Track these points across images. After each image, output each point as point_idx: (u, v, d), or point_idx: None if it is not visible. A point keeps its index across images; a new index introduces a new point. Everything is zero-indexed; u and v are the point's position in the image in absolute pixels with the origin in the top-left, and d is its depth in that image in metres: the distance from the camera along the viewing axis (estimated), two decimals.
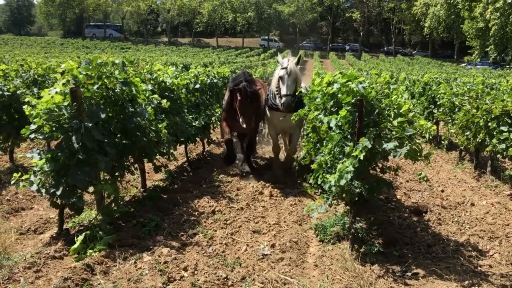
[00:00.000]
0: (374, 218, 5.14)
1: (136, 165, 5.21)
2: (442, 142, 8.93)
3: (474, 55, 44.19)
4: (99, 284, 3.31)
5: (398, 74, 20.22)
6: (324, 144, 4.43)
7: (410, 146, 3.72)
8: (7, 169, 6.57)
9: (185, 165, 7.58)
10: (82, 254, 3.77)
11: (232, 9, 65.61)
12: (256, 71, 17.26)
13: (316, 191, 5.94)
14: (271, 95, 6.54)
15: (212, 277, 3.53)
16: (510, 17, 36.81)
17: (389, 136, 3.89)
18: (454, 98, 8.47)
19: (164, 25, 75.58)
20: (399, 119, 3.81)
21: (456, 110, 8.25)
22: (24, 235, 4.40)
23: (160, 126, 5.13)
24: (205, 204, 5.46)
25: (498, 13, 37.48)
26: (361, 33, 66.72)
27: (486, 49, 41.61)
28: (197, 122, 7.08)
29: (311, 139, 5.18)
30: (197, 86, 7.78)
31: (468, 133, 7.34)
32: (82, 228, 4.39)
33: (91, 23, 72.92)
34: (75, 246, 3.80)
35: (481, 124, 6.87)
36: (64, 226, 4.37)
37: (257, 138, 8.39)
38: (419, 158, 3.81)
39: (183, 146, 7.57)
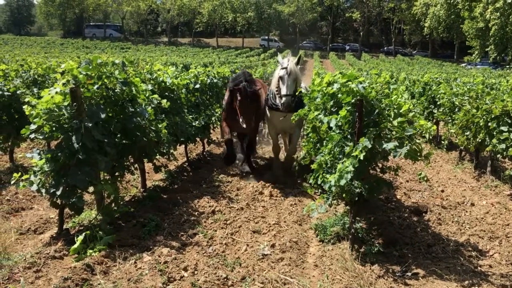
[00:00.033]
0: (374, 218, 5.14)
1: (136, 165, 5.21)
2: (442, 142, 8.92)
3: (474, 55, 44.20)
4: (99, 284, 3.31)
5: (398, 74, 20.23)
6: (324, 144, 4.43)
7: (410, 146, 3.72)
8: (7, 169, 6.57)
9: (185, 165, 7.58)
10: (82, 254, 3.77)
11: (232, 9, 65.62)
12: (256, 71, 17.26)
13: (316, 191, 5.93)
14: (271, 95, 6.54)
15: (212, 277, 3.53)
16: (510, 17, 36.81)
17: (389, 136, 3.89)
18: (454, 98, 8.47)
19: (164, 25, 75.59)
20: (399, 119, 3.81)
21: (456, 110, 8.26)
22: (24, 235, 4.40)
23: (160, 126, 5.13)
24: (205, 204, 5.46)
25: (498, 13, 37.48)
26: (361, 33, 66.72)
27: (486, 49, 41.62)
28: (197, 122, 7.08)
29: (311, 139, 5.18)
30: (197, 86, 7.78)
31: (468, 133, 7.34)
32: (82, 228, 4.39)
33: (91, 23, 72.93)
34: (75, 246, 3.80)
35: (481, 124, 6.87)
36: (64, 226, 4.37)
37: (257, 138, 8.39)
38: (419, 158, 3.81)
39: (183, 146, 7.57)
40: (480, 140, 6.92)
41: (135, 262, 3.69)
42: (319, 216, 5.09)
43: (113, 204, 4.43)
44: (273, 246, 4.29)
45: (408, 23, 63.14)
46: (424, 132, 3.94)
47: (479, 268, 4.07)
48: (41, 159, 3.94)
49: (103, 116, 4.01)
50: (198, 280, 3.47)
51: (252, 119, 6.30)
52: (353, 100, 4.02)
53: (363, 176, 3.88)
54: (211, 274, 3.60)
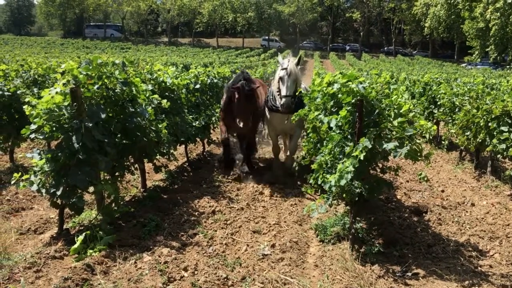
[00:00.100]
0: (374, 218, 5.14)
1: (136, 165, 5.21)
2: (443, 142, 8.92)
3: (474, 55, 44.20)
4: (99, 284, 3.31)
5: (398, 74, 20.23)
6: (324, 144, 4.43)
7: (410, 146, 3.72)
8: (7, 169, 6.57)
9: (185, 165, 7.58)
10: (82, 254, 3.77)
11: (232, 9, 65.64)
12: (256, 71, 17.25)
13: (317, 191, 5.93)
14: (271, 97, 6.53)
15: (212, 277, 3.53)
16: (510, 17, 36.81)
17: (389, 136, 3.89)
18: (455, 98, 8.47)
19: (164, 25, 75.61)
20: (399, 119, 3.81)
21: (457, 110, 8.25)
22: (24, 235, 4.40)
23: (160, 126, 5.13)
24: (205, 204, 5.46)
25: (498, 13, 37.49)
26: (361, 33, 66.72)
27: (487, 49, 41.62)
28: (197, 122, 7.08)
29: (311, 139, 5.18)
30: (197, 86, 7.78)
31: (468, 133, 7.34)
32: (82, 228, 4.39)
33: (92, 23, 72.97)
34: (75, 246, 3.80)
35: (481, 124, 6.87)
36: (64, 226, 4.37)
37: (257, 138, 8.38)
38: (419, 158, 3.81)
39: (183, 146, 7.57)
40: (480, 140, 6.92)
41: (135, 262, 3.69)
42: (319, 216, 5.09)
43: (113, 204, 4.43)
44: (273, 246, 4.29)
45: (409, 23, 63.14)
46: (424, 132, 3.94)
47: (479, 268, 4.07)
48: (41, 159, 3.94)
49: (103, 116, 4.01)
50: (198, 280, 3.47)
51: (249, 119, 6.24)
52: (353, 100, 4.01)
53: (363, 176, 3.88)
54: (211, 274, 3.60)
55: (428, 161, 3.86)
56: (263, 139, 9.75)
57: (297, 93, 5.95)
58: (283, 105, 6.04)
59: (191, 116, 7.06)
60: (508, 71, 35.39)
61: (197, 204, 5.48)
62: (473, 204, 5.98)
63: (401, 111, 3.86)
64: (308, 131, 5.42)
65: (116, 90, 4.30)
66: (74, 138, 3.83)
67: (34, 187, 3.86)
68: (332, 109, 4.57)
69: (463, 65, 48.68)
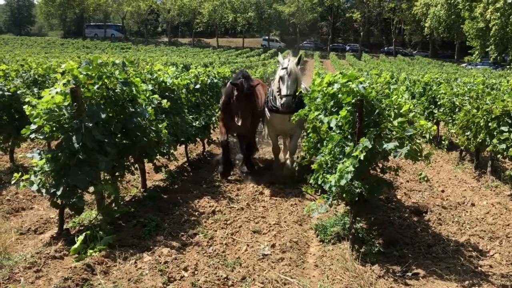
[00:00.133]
0: (374, 218, 5.14)
1: (136, 165, 5.21)
2: (443, 142, 8.92)
3: (474, 55, 44.22)
4: (99, 284, 3.31)
5: (398, 74, 20.22)
6: (325, 144, 4.43)
7: (410, 146, 3.72)
8: (7, 169, 6.57)
9: (185, 165, 7.58)
10: (83, 254, 3.77)
11: (232, 9, 65.65)
12: (256, 71, 17.26)
13: (317, 191, 5.93)
14: (271, 97, 6.52)
15: (213, 277, 3.53)
16: (511, 17, 36.82)
17: (389, 136, 3.89)
18: (455, 98, 8.47)
19: (164, 25, 75.63)
20: (400, 119, 3.81)
21: (457, 110, 8.25)
22: (24, 235, 4.40)
23: (160, 126, 5.13)
24: (206, 204, 5.46)
25: (498, 13, 37.50)
26: (362, 33, 66.72)
27: (487, 49, 41.64)
28: (197, 122, 7.08)
29: (311, 139, 5.18)
30: (198, 86, 7.78)
31: (468, 133, 7.33)
32: (82, 228, 4.39)
33: (92, 23, 73.00)
34: (76, 246, 3.80)
35: (481, 124, 6.87)
36: (65, 226, 4.37)
37: (257, 139, 8.38)
38: (420, 158, 3.81)
39: (183, 146, 7.57)
40: (480, 140, 6.92)
41: (135, 262, 3.69)
42: (320, 216, 5.09)
43: (113, 204, 4.43)
44: (273, 246, 4.29)
45: (409, 23, 63.15)
46: (424, 132, 3.94)
47: (479, 268, 4.07)
48: (41, 159, 3.94)
49: (103, 116, 4.01)
50: (198, 280, 3.47)
51: (248, 117, 6.19)
52: (353, 100, 4.01)
53: (363, 176, 3.88)
54: (211, 274, 3.60)
55: (428, 161, 3.86)
56: (263, 139, 9.74)
57: (297, 93, 5.94)
58: (283, 104, 6.03)
59: (191, 116, 7.06)
60: (508, 71, 35.39)
61: (197, 204, 5.48)
62: (473, 204, 5.98)
63: (401, 111, 3.86)
64: (308, 131, 5.42)
65: (116, 90, 4.30)
66: (74, 138, 3.83)
67: (34, 187, 3.86)
68: (332, 109, 4.57)
69: (463, 65, 48.69)
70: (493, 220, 5.33)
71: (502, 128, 6.30)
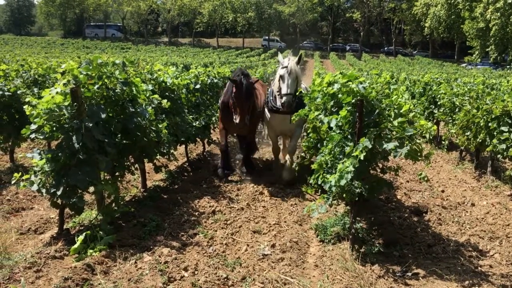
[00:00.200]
0: (374, 218, 5.14)
1: (136, 165, 5.21)
2: (443, 142, 8.92)
3: (474, 55, 44.22)
4: (99, 284, 3.31)
5: (398, 74, 20.22)
6: (325, 144, 4.43)
7: (410, 146, 3.72)
8: (7, 169, 6.57)
9: (185, 165, 7.58)
10: (83, 254, 3.77)
11: (232, 9, 65.66)
12: (256, 71, 17.26)
13: (317, 191, 5.93)
14: (271, 97, 6.51)
15: (213, 277, 3.54)
16: (511, 17, 36.82)
17: (389, 136, 3.89)
18: (455, 98, 8.47)
19: (164, 25, 75.64)
20: (400, 119, 3.81)
21: (457, 110, 8.25)
22: (24, 235, 4.40)
23: (160, 126, 5.13)
24: (206, 204, 5.47)
25: (498, 13, 37.51)
26: (362, 33, 66.72)
27: (487, 49, 41.64)
28: (197, 122, 7.08)
29: (311, 139, 5.18)
30: (198, 86, 7.78)
31: (468, 133, 7.34)
32: (82, 228, 4.39)
33: (92, 23, 73.02)
34: (76, 246, 3.80)
35: (481, 124, 6.87)
36: (65, 226, 4.37)
37: (256, 139, 8.38)
38: (420, 158, 3.81)
39: (184, 146, 7.57)
40: (480, 140, 6.92)
41: (135, 262, 3.69)
42: (320, 216, 5.09)
43: (113, 204, 4.43)
44: (273, 246, 4.29)
45: (409, 23, 63.16)
46: (424, 132, 3.94)
47: (479, 268, 4.07)
48: (41, 159, 3.94)
49: (103, 116, 4.01)
50: (199, 280, 3.47)
51: (246, 116, 6.12)
52: (353, 100, 4.02)
53: (363, 176, 3.88)
54: (211, 274, 3.60)
55: (428, 161, 3.86)
56: (263, 140, 9.75)
57: (297, 93, 5.93)
58: (284, 103, 6.00)
59: (191, 116, 7.06)
60: (508, 71, 35.38)
61: (197, 204, 5.48)
62: (473, 204, 5.99)
63: (401, 111, 3.87)
64: (308, 131, 5.42)
65: (116, 90, 4.30)
66: (74, 138, 3.83)
67: (35, 187, 3.86)
68: (332, 109, 4.57)
69: (463, 65, 48.70)
70: (493, 220, 5.33)
71: (502, 128, 6.30)
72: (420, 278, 3.78)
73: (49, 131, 3.92)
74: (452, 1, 48.61)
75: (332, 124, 4.29)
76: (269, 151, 8.44)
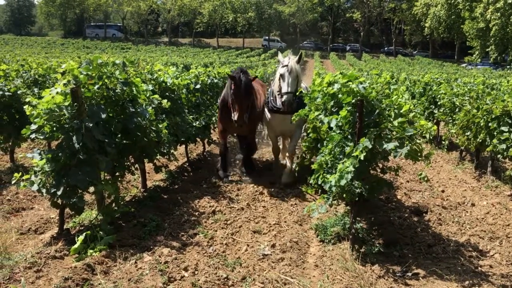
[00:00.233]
0: (374, 218, 5.14)
1: (136, 165, 5.21)
2: (443, 142, 8.92)
3: (474, 55, 44.24)
4: (99, 284, 3.31)
5: (398, 74, 20.22)
6: (325, 144, 4.43)
7: (410, 146, 3.73)
8: (7, 169, 6.57)
9: (185, 165, 7.58)
10: (83, 254, 3.77)
11: (232, 9, 65.68)
12: (256, 71, 17.26)
13: (317, 191, 5.93)
14: (272, 97, 6.50)
15: (213, 277, 3.54)
16: (511, 17, 36.82)
17: (389, 136, 3.89)
18: (455, 98, 8.47)
19: (164, 25, 75.66)
20: (400, 119, 3.81)
21: (457, 110, 8.25)
22: (24, 235, 4.40)
23: (160, 126, 5.13)
24: (206, 204, 5.47)
25: (498, 13, 37.52)
26: (362, 34, 66.73)
27: (487, 50, 41.65)
28: (197, 122, 7.08)
29: (312, 139, 5.18)
30: (198, 86, 7.79)
31: (468, 133, 7.34)
32: (82, 228, 4.40)
33: (92, 23, 73.06)
34: (76, 246, 3.81)
35: (481, 124, 6.87)
36: (65, 226, 4.37)
37: (256, 139, 8.37)
38: (420, 158, 3.81)
39: (184, 146, 7.57)
40: (480, 140, 6.92)
41: (135, 262, 3.70)
42: (320, 216, 5.09)
43: (113, 204, 4.43)
44: (273, 246, 4.29)
45: (409, 24, 63.17)
46: (424, 132, 3.94)
47: (479, 268, 4.07)
48: (41, 159, 3.94)
49: (103, 116, 4.01)
50: (199, 280, 3.47)
51: (245, 114, 6.07)
52: (353, 100, 4.02)
53: (363, 176, 3.88)
54: (211, 274, 3.60)
55: (428, 161, 3.86)
56: (262, 140, 9.75)
57: (297, 93, 5.92)
58: (284, 102, 5.96)
59: (191, 116, 7.07)
60: (509, 71, 35.38)
61: (198, 204, 5.48)
62: (473, 204, 5.99)
63: (401, 111, 3.87)
64: (308, 131, 5.42)
65: (117, 90, 4.30)
66: (74, 138, 3.83)
67: (35, 187, 3.86)
68: (332, 109, 4.57)
69: (463, 65, 48.70)
70: (493, 220, 5.33)
71: (502, 128, 6.30)
72: (420, 278, 3.78)
73: (49, 131, 3.92)
74: (452, 1, 48.62)
75: (332, 124, 4.29)
76: (269, 151, 8.44)
